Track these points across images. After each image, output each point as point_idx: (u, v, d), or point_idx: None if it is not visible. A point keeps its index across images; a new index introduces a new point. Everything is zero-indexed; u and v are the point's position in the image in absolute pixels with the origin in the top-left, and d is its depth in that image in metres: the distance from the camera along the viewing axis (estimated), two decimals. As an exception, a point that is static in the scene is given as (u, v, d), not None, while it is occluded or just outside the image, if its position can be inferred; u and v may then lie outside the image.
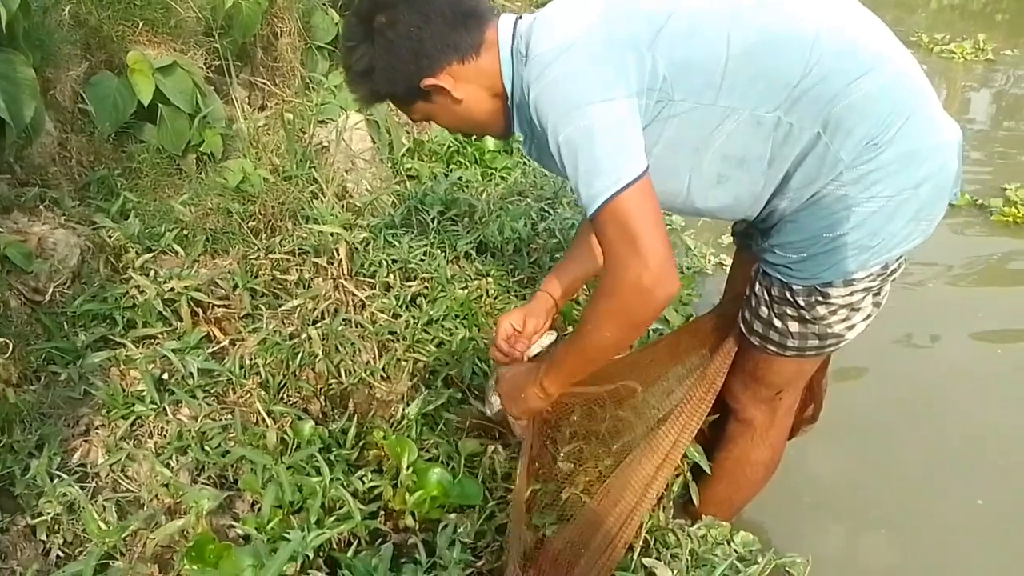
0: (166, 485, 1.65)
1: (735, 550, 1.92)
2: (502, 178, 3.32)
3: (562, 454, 1.77)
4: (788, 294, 1.52)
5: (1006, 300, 3.29)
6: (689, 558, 1.74)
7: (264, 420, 1.92)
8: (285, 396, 2.07)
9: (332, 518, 1.62)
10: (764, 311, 1.57)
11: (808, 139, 1.38)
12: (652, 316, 1.31)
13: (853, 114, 1.35)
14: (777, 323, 1.56)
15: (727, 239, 3.44)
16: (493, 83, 1.50)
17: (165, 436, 1.79)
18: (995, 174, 4.42)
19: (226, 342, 2.10)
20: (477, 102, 1.52)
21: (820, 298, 1.50)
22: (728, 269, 2.12)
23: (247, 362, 2.05)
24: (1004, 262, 3.58)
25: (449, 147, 3.50)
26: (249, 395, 1.97)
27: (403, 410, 2.06)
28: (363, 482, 1.76)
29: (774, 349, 1.60)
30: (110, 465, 1.69)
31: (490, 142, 3.54)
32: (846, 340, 1.57)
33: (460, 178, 3.11)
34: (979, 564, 2.09)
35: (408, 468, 1.77)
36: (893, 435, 2.49)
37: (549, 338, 1.79)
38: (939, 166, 1.40)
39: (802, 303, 1.51)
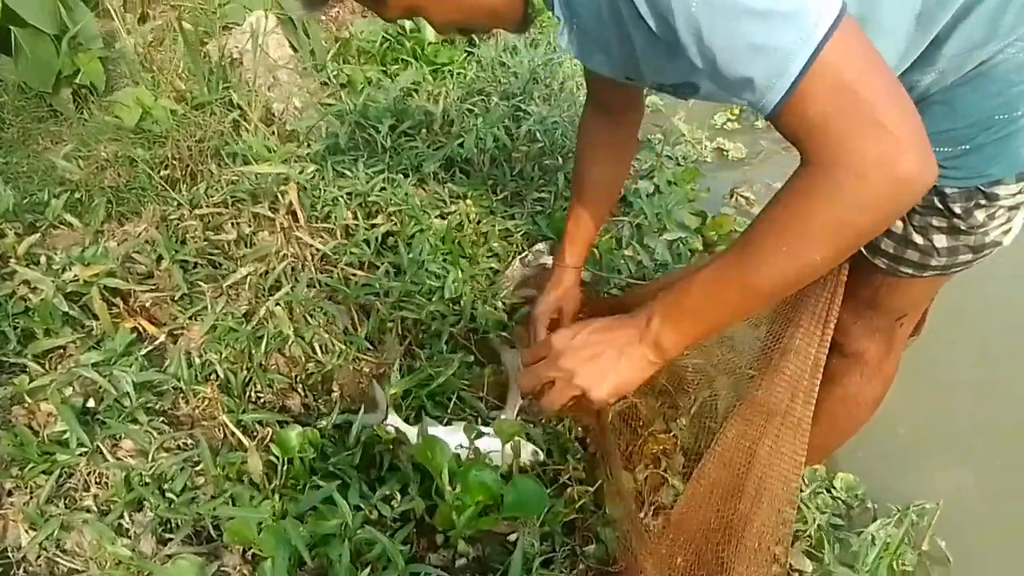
0: (120, 563, 1.20)
1: (838, 497, 1.63)
2: (452, 75, 2.79)
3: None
4: (937, 200, 1.14)
5: None
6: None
7: (234, 435, 1.46)
8: (254, 395, 1.61)
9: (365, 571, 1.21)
10: (898, 225, 1.19)
11: None
12: (896, 215, 0.86)
13: None
14: (917, 239, 1.19)
15: (720, 118, 3.04)
16: None
17: (107, 487, 1.32)
18: None
19: (163, 337, 1.61)
20: None
21: (983, 201, 1.13)
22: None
23: (196, 360, 1.58)
24: None
25: (383, 43, 2.92)
26: (209, 404, 1.51)
27: (400, 386, 1.64)
28: (391, 506, 1.34)
29: (909, 271, 1.24)
30: (39, 544, 1.23)
31: (428, 31, 2.97)
32: (1002, 247, 1.21)
33: (408, 82, 2.57)
34: None
35: (443, 475, 1.36)
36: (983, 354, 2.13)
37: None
38: None
39: (958, 210, 1.14)
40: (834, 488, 1.63)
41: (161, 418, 1.45)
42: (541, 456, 1.57)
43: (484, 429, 1.51)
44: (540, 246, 1.93)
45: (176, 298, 1.70)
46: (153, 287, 1.69)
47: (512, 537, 1.41)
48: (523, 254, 1.93)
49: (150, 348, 1.58)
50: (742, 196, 2.55)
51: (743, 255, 0.91)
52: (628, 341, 1.01)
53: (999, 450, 1.83)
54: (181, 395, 1.52)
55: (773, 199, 0.89)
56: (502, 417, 1.63)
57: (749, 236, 0.91)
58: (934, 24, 1.00)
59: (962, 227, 1.16)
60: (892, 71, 0.84)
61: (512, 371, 1.72)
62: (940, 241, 1.18)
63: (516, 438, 1.49)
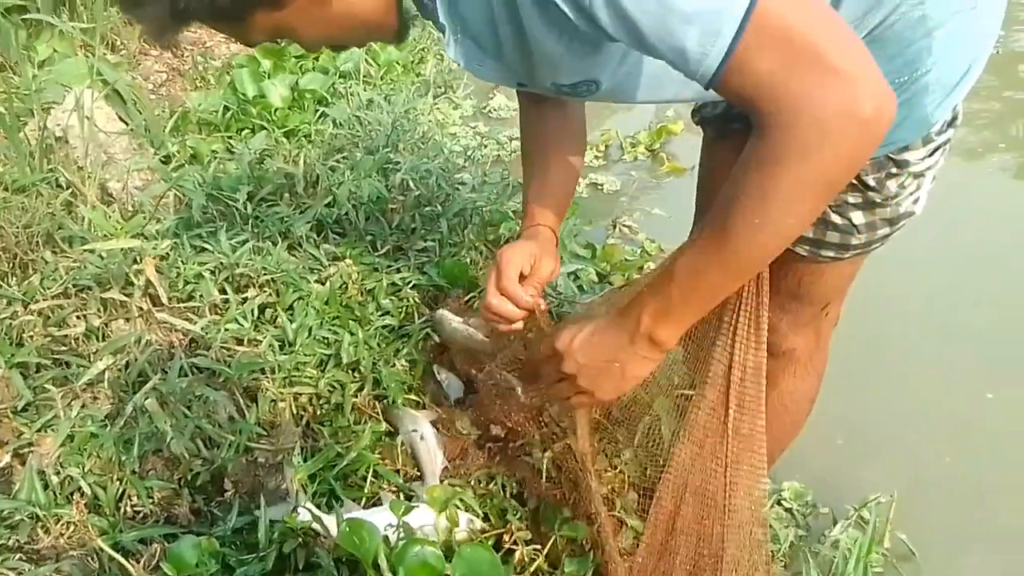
0: None
1: (789, 508, 1.56)
2: (307, 137, 2.63)
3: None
4: None
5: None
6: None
7: (113, 560, 1.20)
8: (131, 509, 1.35)
9: None
10: None
11: None
12: (865, 157, 0.81)
13: None
14: (835, 218, 1.17)
15: (588, 156, 3.02)
16: None
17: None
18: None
19: (7, 458, 1.33)
20: None
21: (894, 169, 1.13)
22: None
23: (54, 478, 1.31)
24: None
25: (225, 111, 2.72)
26: (76, 529, 1.24)
27: (304, 471, 1.43)
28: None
29: (831, 254, 1.21)
30: None
31: (274, 95, 2.81)
32: (915, 216, 1.21)
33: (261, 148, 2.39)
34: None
35: (380, 560, 1.16)
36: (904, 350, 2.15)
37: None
38: None
39: (872, 183, 1.13)
40: (784, 500, 1.56)
41: (18, 555, 1.18)
42: (478, 523, 1.40)
43: (412, 503, 1.33)
44: (442, 312, 1.73)
45: (19, 409, 1.42)
46: (-12, 399, 1.41)
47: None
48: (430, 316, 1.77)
49: (-8, 473, 1.30)
50: (624, 226, 2.54)
51: (719, 234, 0.85)
52: (622, 346, 1.00)
53: (937, 438, 1.84)
54: (39, 523, 1.24)
55: (737, 171, 0.82)
56: (427, 487, 1.46)
57: (721, 214, 0.84)
58: None
59: (877, 199, 1.14)
60: (830, 9, 0.80)
61: (418, 437, 1.56)
62: (858, 218, 1.16)
63: (451, 504, 1.32)
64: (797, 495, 1.56)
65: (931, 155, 1.12)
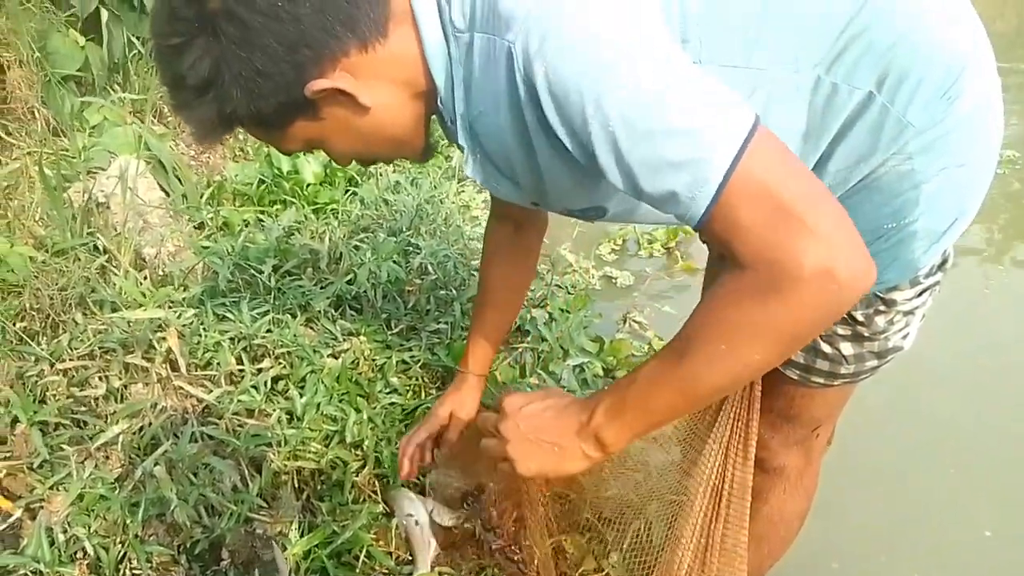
0: None
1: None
2: (335, 215, 2.74)
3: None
4: None
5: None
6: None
7: (108, 623, 1.25)
8: (130, 572, 1.39)
9: None
10: None
11: (857, 102, 1.03)
12: (836, 317, 0.85)
13: (919, 60, 1.01)
14: (825, 347, 1.21)
15: (604, 248, 3.13)
16: (412, 75, 1.00)
17: None
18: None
19: (18, 513, 1.39)
20: (391, 109, 1.01)
21: (882, 307, 1.16)
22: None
23: (60, 536, 1.36)
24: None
25: (259, 184, 2.85)
26: (76, 589, 1.29)
27: (300, 547, 1.47)
28: None
29: (820, 380, 1.25)
30: None
31: (307, 171, 2.94)
32: (903, 350, 1.25)
33: (290, 222, 2.49)
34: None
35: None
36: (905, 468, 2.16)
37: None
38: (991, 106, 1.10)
39: (860, 317, 1.17)
40: (770, 615, 1.56)
41: (18, 612, 1.22)
42: None
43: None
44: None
45: (35, 466, 1.48)
46: (6, 455, 1.47)
47: None
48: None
49: (3, 526, 1.35)
50: (634, 321, 2.59)
51: (682, 355, 0.88)
52: (567, 433, 0.99)
53: (914, 543, 1.86)
54: (42, 581, 1.29)
55: (709, 298, 0.86)
56: (418, 573, 1.50)
57: (686, 336, 0.88)
58: (821, 141, 1.04)
59: (865, 333, 1.17)
60: (813, 174, 0.86)
61: (413, 522, 1.59)
62: (847, 349, 1.20)
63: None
64: (783, 612, 1.57)
65: (919, 296, 1.16)
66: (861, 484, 2.03)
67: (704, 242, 1.45)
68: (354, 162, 1.14)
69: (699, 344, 0.87)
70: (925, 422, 2.29)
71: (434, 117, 1.10)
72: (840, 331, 1.18)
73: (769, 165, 0.81)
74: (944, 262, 1.18)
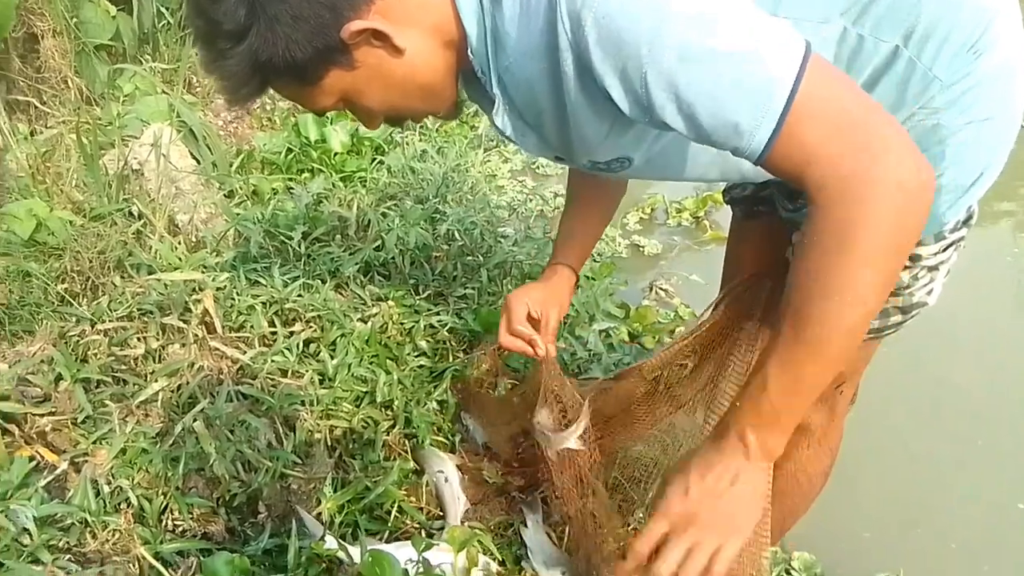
0: None
1: (797, 579, 1.59)
2: (363, 183, 2.77)
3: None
4: None
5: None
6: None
7: (153, 568, 1.30)
8: (172, 522, 1.45)
9: None
10: None
11: (884, 56, 1.03)
12: (922, 217, 0.85)
13: (947, 14, 1.00)
14: None
15: (632, 217, 3.13)
16: (443, 22, 0.98)
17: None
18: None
19: (64, 465, 1.44)
20: (424, 53, 0.99)
21: (907, 262, 1.16)
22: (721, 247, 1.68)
23: (105, 488, 1.41)
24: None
25: (287, 153, 2.88)
26: (121, 537, 1.34)
27: (334, 501, 1.51)
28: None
29: (842, 338, 1.25)
30: None
31: (334, 140, 2.97)
32: (929, 306, 1.26)
33: (318, 190, 2.52)
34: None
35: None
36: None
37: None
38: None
39: None
40: (793, 569, 1.59)
41: (67, 556, 1.27)
42: (494, 567, 1.46)
43: (432, 541, 1.40)
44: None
45: (79, 421, 1.53)
46: (51, 410, 1.52)
47: None
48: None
49: (50, 479, 1.41)
50: (660, 289, 2.60)
51: (803, 328, 0.87)
52: (741, 469, 0.97)
53: (945, 513, 1.87)
54: (88, 529, 1.34)
55: (801, 260, 0.86)
56: (448, 527, 1.53)
57: (797, 305, 0.87)
58: None
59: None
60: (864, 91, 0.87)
61: (443, 479, 1.63)
62: None
63: (470, 546, 1.39)
64: (806, 565, 1.59)
65: (944, 251, 1.17)
66: (886, 453, 2.04)
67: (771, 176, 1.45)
68: (383, 125, 1.14)
69: (813, 308, 0.86)
70: (957, 397, 2.29)
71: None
72: None
73: (828, 84, 0.82)
74: (969, 218, 1.18)
